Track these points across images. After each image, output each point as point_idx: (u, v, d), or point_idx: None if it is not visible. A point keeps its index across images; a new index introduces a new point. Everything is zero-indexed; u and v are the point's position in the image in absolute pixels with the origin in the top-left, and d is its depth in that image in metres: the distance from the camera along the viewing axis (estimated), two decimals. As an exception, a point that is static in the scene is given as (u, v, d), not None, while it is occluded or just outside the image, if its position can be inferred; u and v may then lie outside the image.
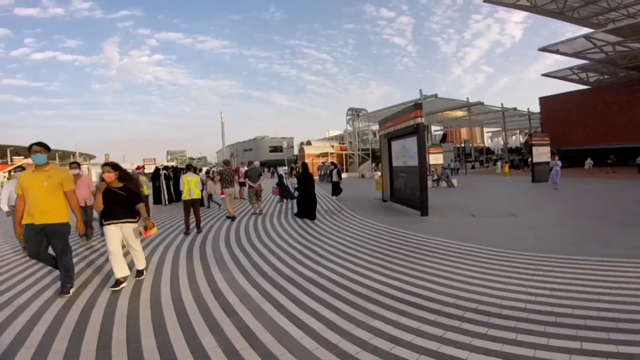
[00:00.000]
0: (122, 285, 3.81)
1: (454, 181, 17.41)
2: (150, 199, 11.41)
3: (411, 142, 8.69)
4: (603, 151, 24.51)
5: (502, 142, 50.95)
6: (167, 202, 12.54)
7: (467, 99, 30.11)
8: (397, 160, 10.09)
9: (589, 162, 22.30)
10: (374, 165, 31.02)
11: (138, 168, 10.55)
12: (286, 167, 22.51)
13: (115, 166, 4.06)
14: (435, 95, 25.56)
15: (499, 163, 25.72)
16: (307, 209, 8.61)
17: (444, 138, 53.93)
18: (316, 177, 19.31)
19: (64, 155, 53.50)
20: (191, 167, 8.06)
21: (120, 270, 3.88)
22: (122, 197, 3.93)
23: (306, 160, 28.37)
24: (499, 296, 3.26)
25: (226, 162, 10.14)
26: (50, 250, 3.78)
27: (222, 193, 9.00)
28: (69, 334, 2.82)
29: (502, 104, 33.43)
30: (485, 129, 61.06)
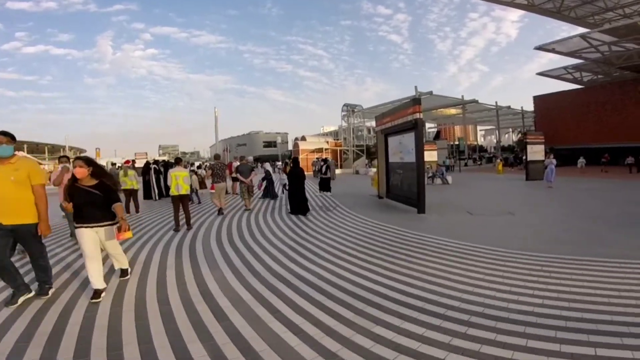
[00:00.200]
0: (103, 295, 3.42)
1: (449, 178, 17.39)
2: (141, 194, 11.12)
3: (408, 138, 8.53)
4: (596, 150, 24.70)
5: (495, 140, 51.33)
6: (157, 197, 12.22)
7: (462, 96, 30.21)
8: (394, 157, 9.92)
9: (581, 161, 22.44)
10: (367, 161, 30.90)
11: (127, 162, 10.23)
12: (280, 163, 22.27)
13: (88, 161, 3.56)
14: (431, 93, 25.48)
15: (498, 160, 25.77)
16: (299, 204, 8.44)
17: (437, 135, 54.10)
18: (310, 173, 19.14)
19: (54, 149, 52.25)
20: (180, 161, 7.77)
21: (98, 280, 3.44)
22: (97, 197, 3.46)
23: (301, 156, 28.11)
24: (505, 299, 3.11)
25: (216, 157, 9.88)
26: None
27: (213, 188, 8.75)
28: (44, 339, 2.60)
29: (496, 102, 33.65)
30: (478, 127, 61.36)
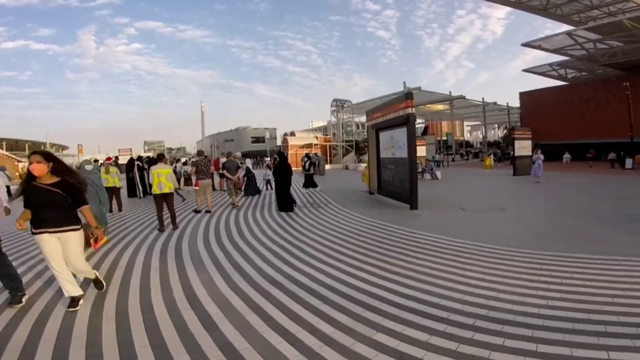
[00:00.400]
0: (81, 302, 3.09)
1: (438, 173, 17.42)
2: (125, 192, 10.70)
3: (400, 133, 8.40)
4: (580, 146, 25.23)
5: (481, 136, 52.00)
6: (142, 195, 11.79)
7: (450, 92, 30.45)
8: (385, 152, 9.79)
9: (566, 156, 22.86)
10: (357, 156, 30.85)
11: (108, 159, 9.78)
12: (268, 159, 21.90)
13: (47, 155, 3.06)
14: (419, 88, 25.58)
15: (491, 156, 26.00)
16: (286, 201, 8.26)
17: (425, 131, 54.42)
18: (299, 169, 18.85)
19: (34, 146, 50.23)
20: (162, 157, 7.41)
21: (72, 287, 3.08)
22: (58, 197, 2.96)
23: (290, 152, 27.80)
24: (509, 300, 2.99)
25: (200, 153, 9.52)
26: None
27: (197, 185, 8.45)
28: (17, 353, 2.37)
29: (482, 99, 33.99)
30: (465, 123, 62.06)
